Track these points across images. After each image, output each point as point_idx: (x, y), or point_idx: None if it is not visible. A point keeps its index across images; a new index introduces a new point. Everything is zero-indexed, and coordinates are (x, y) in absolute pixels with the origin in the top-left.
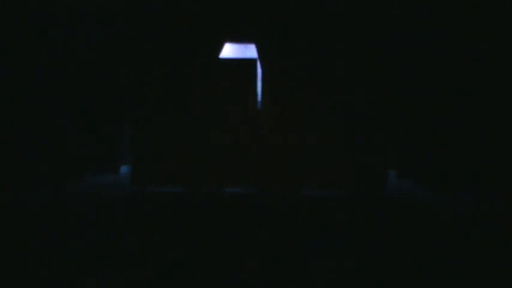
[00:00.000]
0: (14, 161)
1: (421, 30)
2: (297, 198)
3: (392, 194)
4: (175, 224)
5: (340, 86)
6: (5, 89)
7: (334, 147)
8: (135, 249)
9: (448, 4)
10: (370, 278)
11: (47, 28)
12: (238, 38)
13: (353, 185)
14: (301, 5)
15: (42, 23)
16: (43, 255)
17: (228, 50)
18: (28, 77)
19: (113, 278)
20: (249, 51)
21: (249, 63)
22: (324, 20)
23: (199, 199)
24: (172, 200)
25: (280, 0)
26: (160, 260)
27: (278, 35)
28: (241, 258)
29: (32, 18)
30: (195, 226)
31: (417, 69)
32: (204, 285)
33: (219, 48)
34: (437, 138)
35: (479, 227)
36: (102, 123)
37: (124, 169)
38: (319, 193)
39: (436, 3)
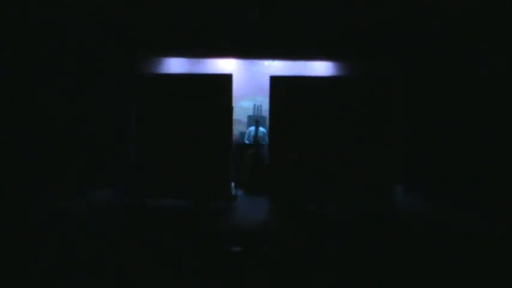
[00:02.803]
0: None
1: (421, 30)
2: (301, 212)
3: (399, 209)
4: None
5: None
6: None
7: (339, 163)
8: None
9: (448, 4)
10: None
11: (47, 28)
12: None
13: (360, 201)
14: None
15: (42, 23)
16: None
17: (234, 65)
18: (28, 77)
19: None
20: (255, 66)
21: (224, 77)
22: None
23: (196, 212)
24: (169, 214)
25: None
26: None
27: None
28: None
29: (32, 18)
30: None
31: (417, 69)
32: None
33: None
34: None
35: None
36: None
37: (124, 183)
38: (324, 208)
39: (436, 3)
